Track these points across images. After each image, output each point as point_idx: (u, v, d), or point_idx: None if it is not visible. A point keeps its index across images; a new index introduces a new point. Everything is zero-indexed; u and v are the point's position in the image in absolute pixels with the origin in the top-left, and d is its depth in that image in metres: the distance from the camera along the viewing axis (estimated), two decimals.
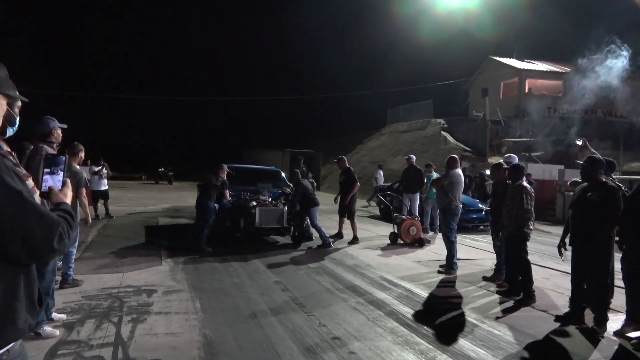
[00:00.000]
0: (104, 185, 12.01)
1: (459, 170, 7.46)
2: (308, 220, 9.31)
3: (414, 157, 12.09)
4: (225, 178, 8.60)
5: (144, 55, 65.46)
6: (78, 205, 5.45)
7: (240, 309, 4.98)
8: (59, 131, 4.50)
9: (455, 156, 7.62)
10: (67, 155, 1.90)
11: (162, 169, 33.21)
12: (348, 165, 10.16)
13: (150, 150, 44.70)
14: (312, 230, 9.47)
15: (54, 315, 4.38)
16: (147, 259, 7.29)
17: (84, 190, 5.53)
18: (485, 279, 6.75)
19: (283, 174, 11.48)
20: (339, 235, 9.99)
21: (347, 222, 9.99)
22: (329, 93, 44.26)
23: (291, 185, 10.55)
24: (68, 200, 1.76)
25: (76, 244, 5.61)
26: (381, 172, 19.42)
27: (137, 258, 7.34)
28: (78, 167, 5.74)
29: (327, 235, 9.10)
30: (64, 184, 1.81)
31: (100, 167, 11.98)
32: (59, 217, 1.55)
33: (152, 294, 5.37)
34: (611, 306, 5.05)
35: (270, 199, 8.95)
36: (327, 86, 47.37)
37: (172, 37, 64.52)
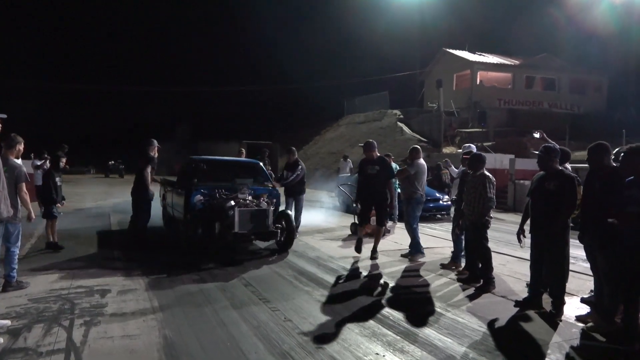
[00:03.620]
0: None
1: (422, 161, 7.56)
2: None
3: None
4: (154, 154, 7.74)
5: (93, 44, 62.32)
6: (19, 201, 5.07)
7: (201, 307, 4.78)
8: None
9: (418, 147, 7.72)
10: None
11: (113, 162, 31.84)
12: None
13: (99, 143, 42.72)
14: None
15: None
16: (100, 257, 6.91)
17: (24, 186, 5.13)
18: (443, 266, 6.85)
19: (263, 166, 9.58)
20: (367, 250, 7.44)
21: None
22: (285, 84, 43.90)
23: (273, 178, 9.30)
24: None
25: (19, 242, 5.21)
26: (345, 163, 18.43)
27: (88, 256, 6.95)
28: (17, 160, 5.32)
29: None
30: None
31: (43, 161, 11.26)
32: None
33: (106, 294, 5.07)
34: (566, 290, 5.24)
35: (250, 198, 7.42)
36: (283, 77, 46.91)
37: (123, 25, 61.81)
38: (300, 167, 9.06)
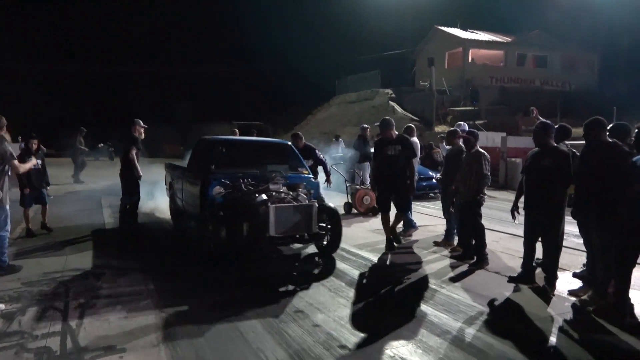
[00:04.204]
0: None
1: (416, 139, 7.54)
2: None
3: (366, 127, 11.94)
4: (137, 135, 7.56)
5: (83, 25, 60.74)
6: (5, 186, 4.99)
7: (197, 289, 4.77)
8: None
9: (412, 125, 7.71)
10: None
11: (102, 144, 31.38)
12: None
13: (88, 125, 42.00)
14: None
15: None
16: (92, 240, 6.87)
17: (15, 162, 5.04)
18: (436, 244, 6.88)
19: (295, 149, 7.49)
20: (394, 243, 6.69)
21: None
22: (276, 64, 43.47)
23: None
24: None
25: (8, 226, 5.14)
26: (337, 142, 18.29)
27: (80, 239, 6.89)
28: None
29: None
30: None
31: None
32: None
33: (100, 277, 5.03)
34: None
35: (284, 189, 5.91)
36: (274, 57, 46.38)
37: (111, 5, 60.13)
38: (316, 149, 8.28)
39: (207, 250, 5.72)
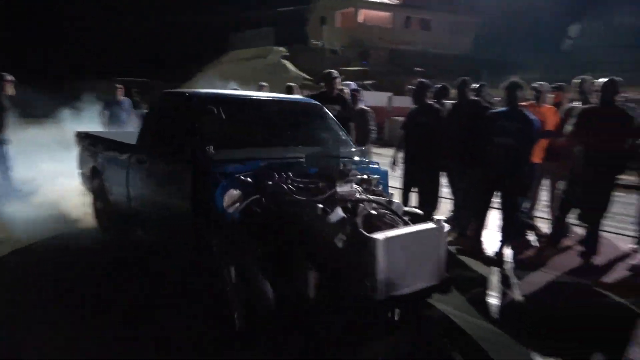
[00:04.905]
0: None
1: (299, 97, 7.63)
2: None
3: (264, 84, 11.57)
4: (7, 93, 6.63)
5: None
6: None
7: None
8: None
9: (292, 84, 7.73)
10: None
11: None
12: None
13: None
14: None
15: None
16: None
17: None
18: None
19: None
20: None
21: None
22: (160, 16, 40.39)
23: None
24: None
25: None
26: None
27: None
28: None
29: None
30: None
31: None
32: None
33: None
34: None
35: (360, 190, 3.12)
36: (157, 9, 42.91)
37: None
38: None
39: (232, 326, 2.84)
